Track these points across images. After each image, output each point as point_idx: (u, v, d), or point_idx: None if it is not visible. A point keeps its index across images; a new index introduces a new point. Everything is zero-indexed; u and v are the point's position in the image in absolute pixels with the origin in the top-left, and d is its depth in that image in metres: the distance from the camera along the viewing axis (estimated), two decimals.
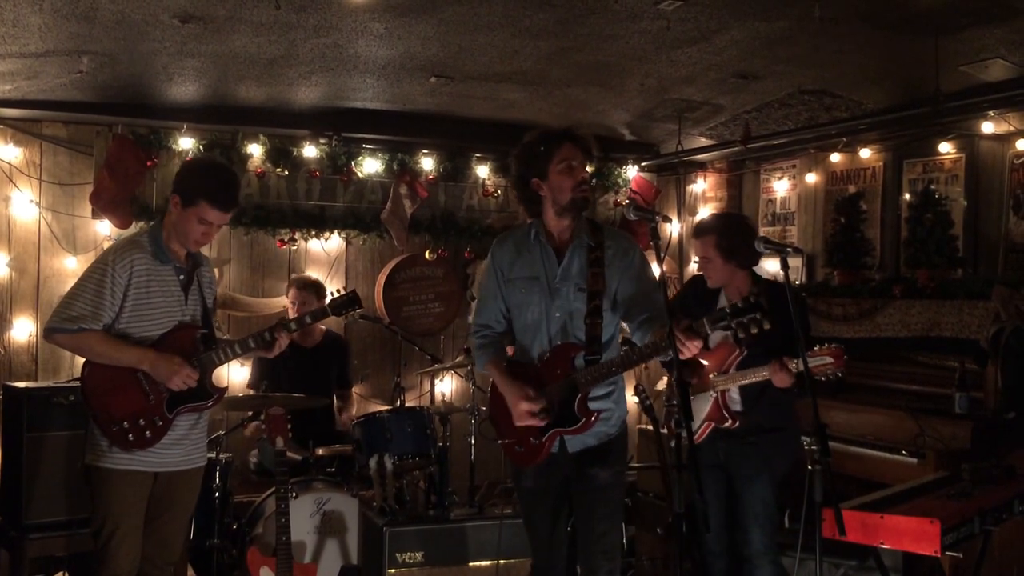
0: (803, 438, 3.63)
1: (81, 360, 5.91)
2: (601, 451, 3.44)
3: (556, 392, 3.37)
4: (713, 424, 4.01)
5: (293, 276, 6.24)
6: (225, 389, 3.82)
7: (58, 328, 3.50)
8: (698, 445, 3.92)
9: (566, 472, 3.47)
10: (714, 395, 4.00)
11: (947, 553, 3.26)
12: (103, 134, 6.05)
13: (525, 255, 3.54)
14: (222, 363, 3.72)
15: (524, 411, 3.36)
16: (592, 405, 3.38)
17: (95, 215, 6.02)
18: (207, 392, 3.67)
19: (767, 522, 3.93)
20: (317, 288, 5.87)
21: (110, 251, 3.63)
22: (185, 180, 3.64)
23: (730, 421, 3.97)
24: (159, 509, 3.66)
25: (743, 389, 3.98)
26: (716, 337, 3.95)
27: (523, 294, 3.51)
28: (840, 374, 3.68)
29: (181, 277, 3.66)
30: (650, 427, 5.12)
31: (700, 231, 4.18)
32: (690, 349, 3.12)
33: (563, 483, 3.51)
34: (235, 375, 6.41)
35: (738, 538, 4.03)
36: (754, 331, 3.02)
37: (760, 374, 3.84)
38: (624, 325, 3.53)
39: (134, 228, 6.05)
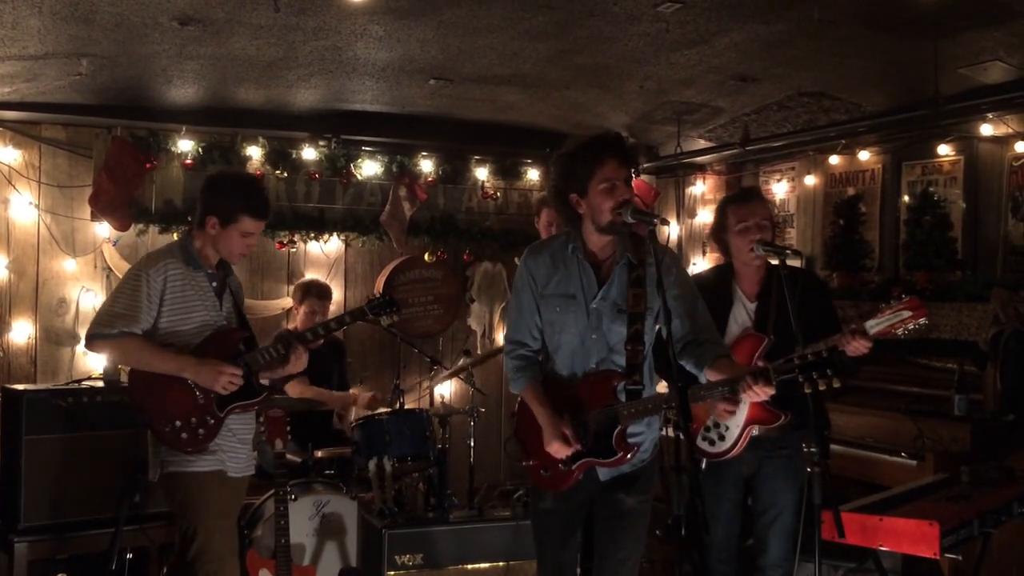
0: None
1: (80, 362, 5.98)
2: (631, 477, 3.30)
3: (594, 420, 3.21)
4: (755, 428, 3.75)
5: (306, 281, 6.08)
6: (272, 388, 3.82)
7: (99, 334, 3.49)
8: (729, 460, 3.78)
9: (590, 495, 3.34)
10: None
11: (946, 555, 3.26)
12: (102, 136, 6.06)
13: (561, 270, 3.30)
14: (267, 363, 3.70)
15: (558, 450, 3.20)
16: (633, 430, 3.24)
17: (94, 217, 6.02)
18: (255, 391, 3.68)
19: (790, 534, 3.80)
20: (330, 295, 5.93)
21: (143, 260, 3.67)
22: (218, 199, 3.67)
23: (783, 417, 3.67)
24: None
25: None
26: (735, 329, 3.84)
27: (558, 313, 3.28)
28: (922, 323, 3.42)
29: (214, 284, 3.70)
30: None
31: (756, 194, 4.01)
32: (760, 396, 3.06)
33: (583, 505, 3.37)
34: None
35: (755, 548, 3.91)
36: (822, 388, 2.91)
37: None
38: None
39: (133, 230, 6.07)
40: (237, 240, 3.65)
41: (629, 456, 3.22)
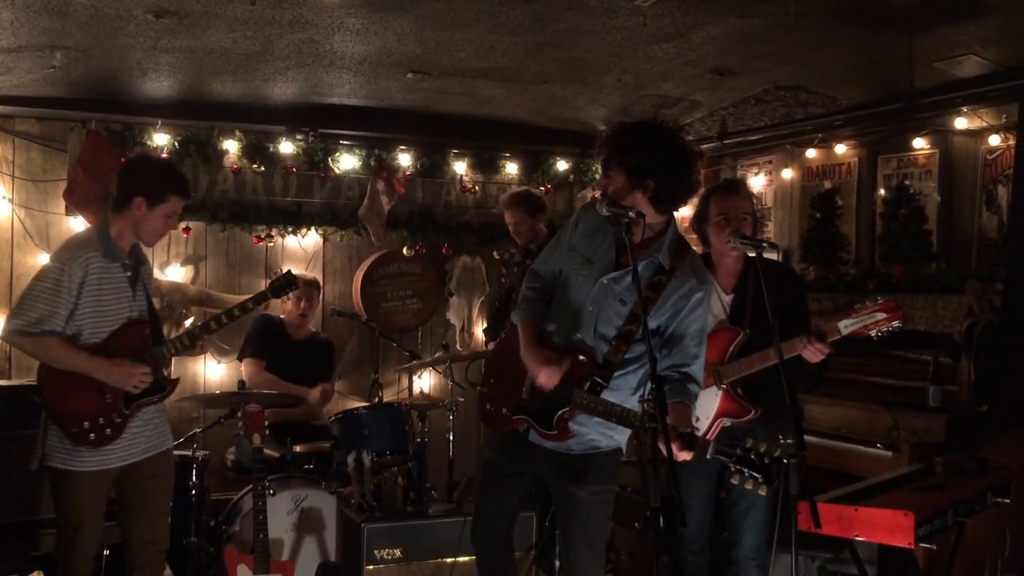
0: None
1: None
2: (575, 466, 3.27)
3: (552, 389, 3.19)
4: (723, 421, 3.77)
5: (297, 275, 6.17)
6: (177, 380, 3.89)
7: (21, 331, 3.51)
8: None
9: (535, 468, 3.37)
10: (725, 387, 3.76)
11: (921, 545, 3.29)
12: (76, 130, 6.00)
13: (598, 234, 3.26)
14: (173, 356, 3.81)
15: (549, 375, 3.15)
16: (574, 426, 3.22)
17: (69, 212, 5.97)
18: (160, 385, 3.75)
19: (763, 526, 3.81)
20: (318, 284, 6.04)
21: (63, 251, 3.65)
22: (145, 180, 3.71)
23: (753, 411, 3.72)
24: (140, 492, 3.76)
25: (742, 376, 3.75)
26: (709, 320, 3.77)
27: (574, 269, 3.28)
28: (896, 326, 3.47)
29: (128, 273, 3.71)
30: None
31: (741, 187, 4.01)
32: (678, 456, 2.93)
33: (524, 472, 3.41)
34: (211, 372, 6.38)
35: (729, 540, 3.93)
36: (748, 487, 2.81)
37: (772, 356, 3.57)
38: None
39: None
40: (161, 221, 3.71)
41: (564, 439, 3.23)
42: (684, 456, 2.92)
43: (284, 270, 4.27)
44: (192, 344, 3.83)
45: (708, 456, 2.90)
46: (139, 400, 3.66)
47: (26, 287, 3.59)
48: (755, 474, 2.78)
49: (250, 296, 4.06)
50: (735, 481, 2.83)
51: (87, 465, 3.58)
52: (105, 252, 3.62)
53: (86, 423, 3.54)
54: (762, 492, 2.78)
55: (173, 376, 3.88)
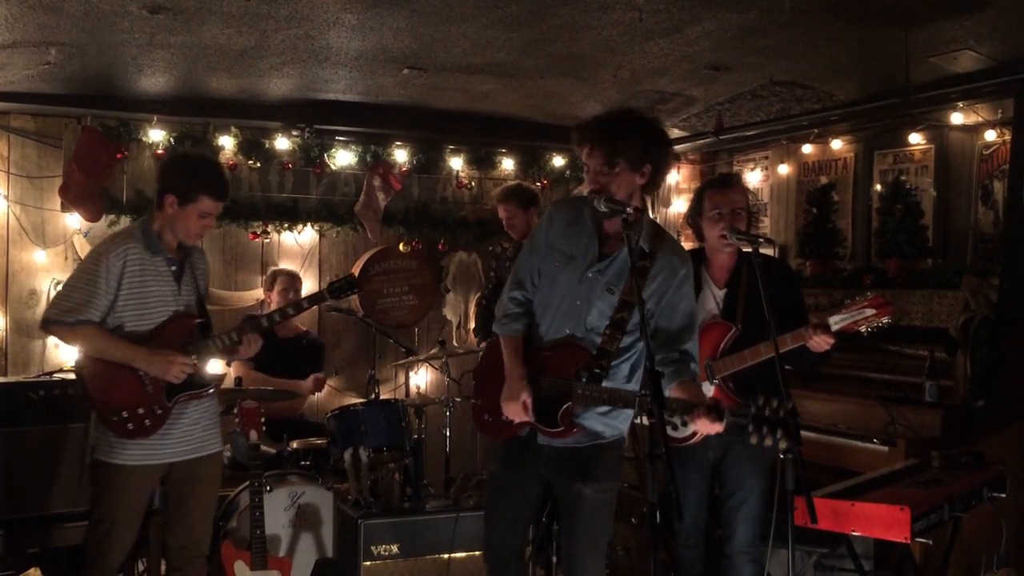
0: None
1: (51, 354, 5.94)
2: (582, 463, 3.24)
3: (549, 387, 3.19)
4: None
5: (276, 268, 6.20)
6: (223, 376, 3.90)
7: (56, 320, 3.55)
8: (694, 446, 3.70)
9: (542, 471, 3.31)
10: (717, 382, 3.77)
11: (917, 539, 3.30)
12: (72, 126, 5.99)
13: (574, 228, 3.25)
14: (219, 350, 3.77)
15: (510, 412, 3.20)
16: (582, 420, 3.20)
17: (64, 208, 5.96)
18: (205, 380, 3.74)
19: (756, 520, 3.81)
20: (299, 278, 6.06)
21: (104, 242, 3.67)
22: (178, 178, 3.69)
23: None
24: (180, 497, 3.77)
25: (735, 372, 3.75)
26: (701, 315, 3.80)
27: (555, 268, 3.26)
28: (885, 322, 3.48)
29: (173, 268, 3.71)
30: None
31: (735, 181, 3.96)
32: (709, 430, 2.93)
33: (532, 479, 3.34)
34: (206, 370, 6.37)
35: (723, 534, 3.92)
36: (768, 443, 2.77)
37: (764, 351, 3.59)
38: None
39: (104, 221, 6.02)
40: (195, 220, 3.67)
41: (571, 433, 3.20)
42: (717, 428, 2.92)
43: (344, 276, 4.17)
44: (239, 341, 3.77)
45: (723, 423, 2.89)
46: (182, 393, 3.65)
47: (69, 276, 3.65)
48: (773, 429, 2.76)
49: (306, 296, 4.04)
50: (753, 441, 2.80)
51: (131, 459, 3.59)
52: (146, 245, 3.63)
53: (125, 412, 3.54)
54: (783, 445, 2.76)
55: None
